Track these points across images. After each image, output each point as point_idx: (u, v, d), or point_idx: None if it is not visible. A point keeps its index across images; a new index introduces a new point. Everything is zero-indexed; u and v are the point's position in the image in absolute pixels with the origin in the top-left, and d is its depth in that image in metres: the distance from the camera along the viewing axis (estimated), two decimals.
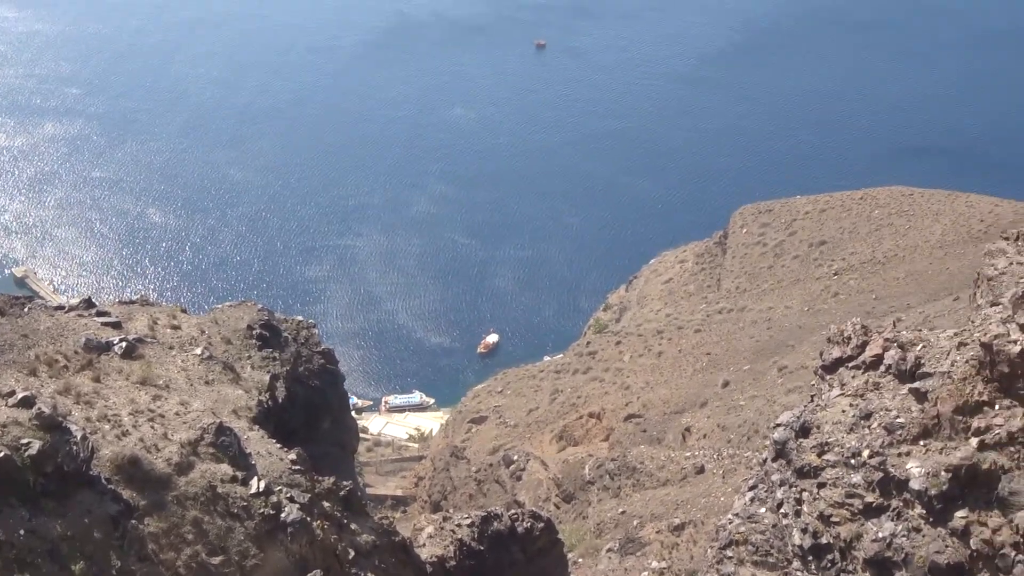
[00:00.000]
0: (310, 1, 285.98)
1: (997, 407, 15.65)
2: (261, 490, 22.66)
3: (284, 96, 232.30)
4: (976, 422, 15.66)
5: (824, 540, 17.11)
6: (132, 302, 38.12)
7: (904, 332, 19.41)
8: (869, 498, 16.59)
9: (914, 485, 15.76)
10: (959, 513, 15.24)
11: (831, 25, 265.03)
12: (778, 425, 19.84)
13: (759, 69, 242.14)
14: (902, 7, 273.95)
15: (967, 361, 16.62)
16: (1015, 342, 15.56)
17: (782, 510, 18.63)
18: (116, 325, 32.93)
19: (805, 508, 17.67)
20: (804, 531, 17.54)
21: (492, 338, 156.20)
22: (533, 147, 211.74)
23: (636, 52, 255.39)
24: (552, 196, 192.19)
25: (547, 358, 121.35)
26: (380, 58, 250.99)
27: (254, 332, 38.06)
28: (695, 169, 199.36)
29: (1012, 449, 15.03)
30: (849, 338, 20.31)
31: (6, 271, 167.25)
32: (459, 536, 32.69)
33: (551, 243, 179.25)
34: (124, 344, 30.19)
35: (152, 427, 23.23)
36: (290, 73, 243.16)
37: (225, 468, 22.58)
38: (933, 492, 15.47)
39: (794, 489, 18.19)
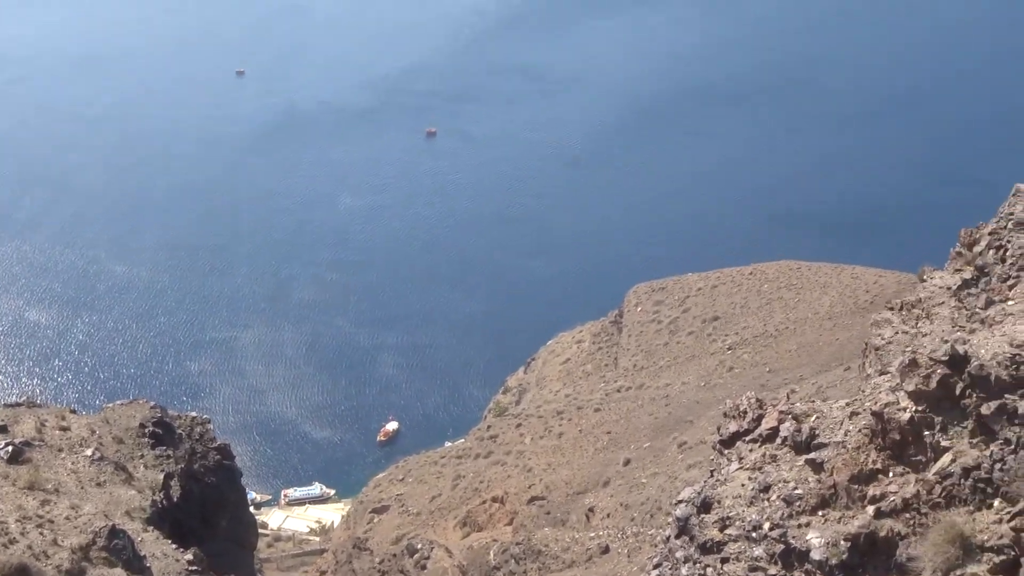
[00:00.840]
0: (194, 94, 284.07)
1: (891, 474, 15.93)
2: None
3: (169, 189, 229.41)
4: (871, 490, 15.90)
5: None
6: (18, 404, 37.24)
7: (798, 404, 19.73)
8: (772, 571, 16.68)
9: (815, 555, 15.89)
10: None
11: (708, 101, 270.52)
12: (680, 501, 19.92)
13: (643, 148, 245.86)
14: (777, 81, 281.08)
15: (860, 430, 16.92)
16: (904, 410, 15.90)
17: None
18: (2, 429, 32.04)
19: None
20: None
21: (392, 426, 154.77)
22: (424, 233, 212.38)
23: (524, 136, 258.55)
24: (443, 281, 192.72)
25: (448, 444, 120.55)
26: (266, 148, 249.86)
27: (146, 430, 37.34)
28: (587, 249, 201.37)
29: (907, 515, 15.27)
30: (745, 412, 20.54)
31: None
32: None
33: (444, 328, 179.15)
34: (10, 448, 29.36)
35: (41, 533, 22.47)
36: (175, 166, 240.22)
37: (119, 572, 21.91)
38: (834, 562, 15.60)
39: (698, 565, 18.23)
